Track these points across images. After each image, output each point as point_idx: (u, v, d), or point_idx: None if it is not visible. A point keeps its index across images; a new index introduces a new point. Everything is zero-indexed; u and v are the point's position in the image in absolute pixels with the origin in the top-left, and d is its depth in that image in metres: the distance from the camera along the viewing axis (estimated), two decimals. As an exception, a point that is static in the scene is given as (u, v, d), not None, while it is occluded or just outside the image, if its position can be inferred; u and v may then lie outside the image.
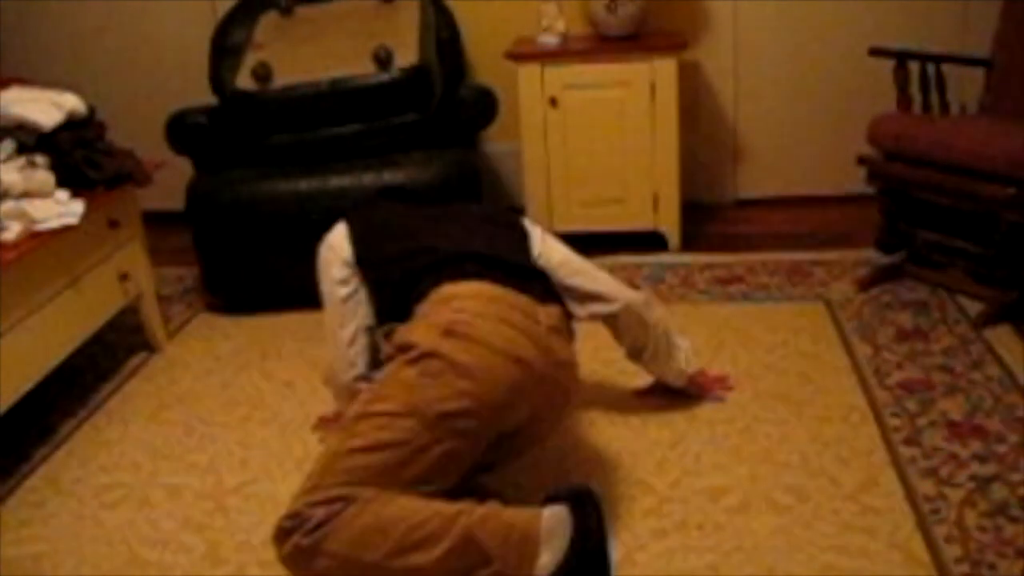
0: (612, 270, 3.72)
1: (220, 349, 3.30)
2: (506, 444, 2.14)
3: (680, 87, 3.69)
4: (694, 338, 3.08)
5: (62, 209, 2.74)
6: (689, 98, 4.06)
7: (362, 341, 2.40)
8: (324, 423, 2.73)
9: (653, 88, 3.68)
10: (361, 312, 2.39)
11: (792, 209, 4.22)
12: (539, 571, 1.86)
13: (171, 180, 3.56)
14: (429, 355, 1.99)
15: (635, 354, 2.63)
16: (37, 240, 2.61)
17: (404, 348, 2.05)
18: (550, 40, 3.80)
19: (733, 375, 2.84)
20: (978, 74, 3.57)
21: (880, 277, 3.42)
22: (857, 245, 3.68)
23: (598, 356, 2.99)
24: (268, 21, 3.81)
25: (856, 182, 3.55)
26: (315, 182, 3.41)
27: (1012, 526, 2.13)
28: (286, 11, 3.82)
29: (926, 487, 2.28)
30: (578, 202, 3.83)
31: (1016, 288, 3.08)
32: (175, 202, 3.59)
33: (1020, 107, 3.36)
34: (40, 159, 2.84)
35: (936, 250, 3.35)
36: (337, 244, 2.43)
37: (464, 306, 2.08)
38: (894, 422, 2.57)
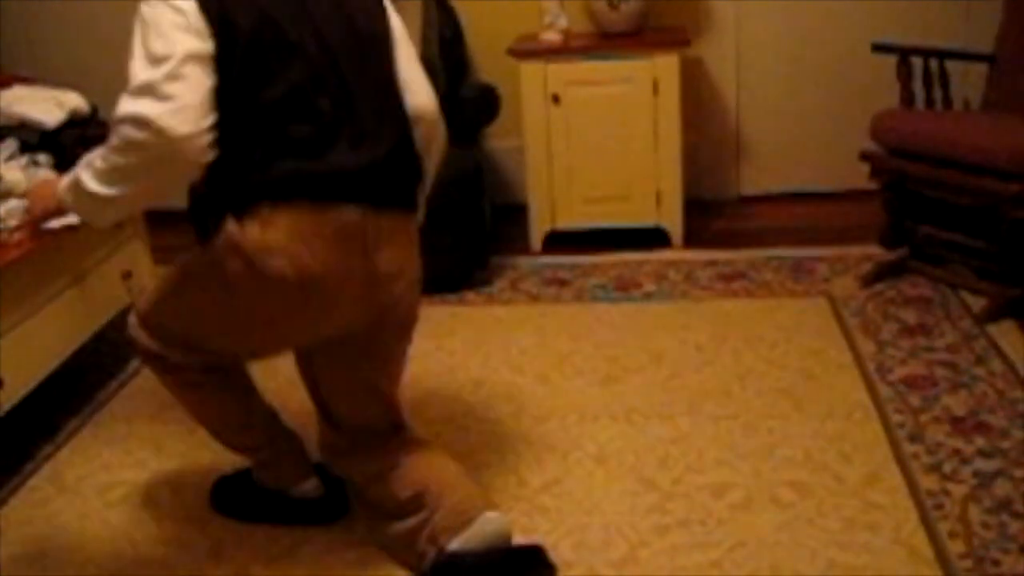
0: (615, 266, 3.76)
1: (223, 347, 3.29)
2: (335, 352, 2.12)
3: (683, 84, 3.69)
4: (697, 334, 3.09)
5: (64, 208, 2.74)
6: (692, 95, 4.05)
7: None
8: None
9: (656, 85, 3.67)
10: None
11: (795, 205, 4.21)
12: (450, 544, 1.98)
13: (173, 178, 3.55)
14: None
15: None
16: (40, 239, 2.61)
17: None
18: (552, 37, 3.80)
19: (736, 371, 2.84)
20: (981, 70, 3.56)
21: (883, 273, 3.42)
22: (860, 241, 3.67)
23: (600, 353, 2.99)
24: (270, 19, 3.80)
25: (859, 178, 3.54)
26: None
27: (1016, 522, 2.12)
28: (288, 9, 3.81)
29: (929, 483, 2.28)
30: (581, 199, 3.82)
31: (1020, 283, 3.08)
32: (177, 200, 3.57)
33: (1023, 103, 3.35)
34: (43, 158, 2.84)
35: (939, 246, 3.35)
36: None
37: None
38: (897, 418, 2.56)
